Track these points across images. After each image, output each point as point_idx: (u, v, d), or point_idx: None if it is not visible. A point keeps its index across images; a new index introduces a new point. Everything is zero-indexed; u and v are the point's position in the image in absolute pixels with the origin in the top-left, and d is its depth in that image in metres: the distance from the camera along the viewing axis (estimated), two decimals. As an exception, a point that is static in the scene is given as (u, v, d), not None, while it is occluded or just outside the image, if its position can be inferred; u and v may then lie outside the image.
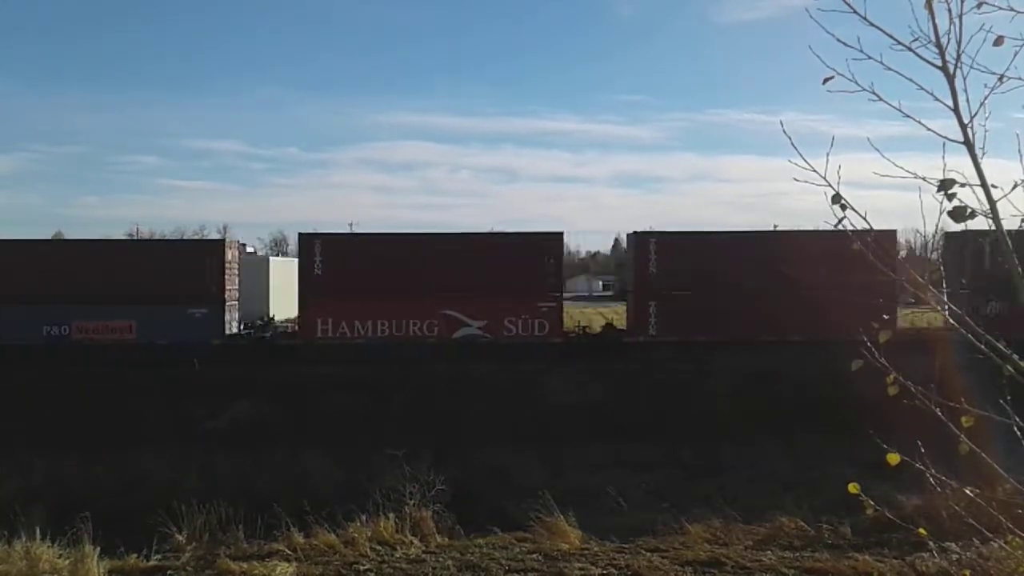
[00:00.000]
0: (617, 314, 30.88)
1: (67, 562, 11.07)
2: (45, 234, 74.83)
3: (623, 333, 25.23)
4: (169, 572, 11.31)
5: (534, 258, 24.47)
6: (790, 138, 3.53)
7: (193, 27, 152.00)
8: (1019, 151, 3.24)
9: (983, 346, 3.41)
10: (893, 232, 21.33)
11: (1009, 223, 3.30)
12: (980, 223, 3.29)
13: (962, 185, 3.19)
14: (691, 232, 25.97)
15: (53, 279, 23.24)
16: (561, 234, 25.48)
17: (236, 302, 25.27)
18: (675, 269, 23.56)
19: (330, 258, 24.15)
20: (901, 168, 3.40)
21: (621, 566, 11.32)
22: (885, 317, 3.65)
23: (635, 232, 25.55)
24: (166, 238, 73.65)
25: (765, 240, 24.06)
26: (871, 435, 4.43)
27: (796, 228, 24.24)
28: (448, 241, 25.56)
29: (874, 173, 3.55)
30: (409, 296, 23.81)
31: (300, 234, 25.81)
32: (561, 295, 24.83)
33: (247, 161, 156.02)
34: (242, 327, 25.56)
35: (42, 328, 23.26)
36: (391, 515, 12.49)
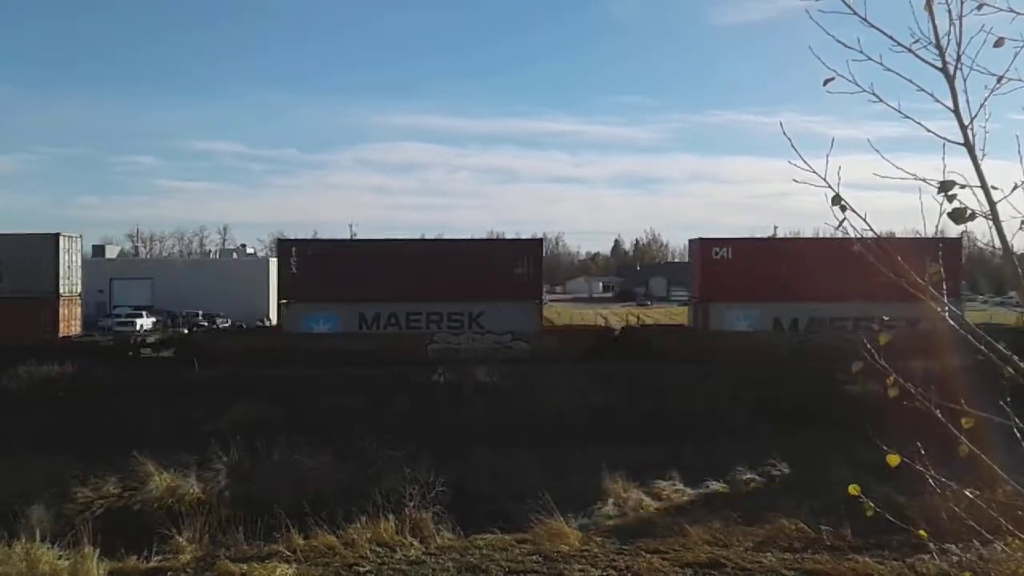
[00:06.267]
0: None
1: (67, 563, 11.05)
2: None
3: None
4: (169, 573, 11.29)
5: None
6: (790, 139, 3.51)
7: (192, 29, 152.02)
8: (1019, 152, 3.23)
9: (983, 347, 3.40)
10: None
11: (1009, 225, 3.28)
12: (980, 224, 3.28)
13: (962, 186, 3.18)
14: None
15: None
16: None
17: None
18: None
19: None
20: (901, 169, 3.38)
21: (621, 568, 11.29)
22: (885, 318, 3.63)
23: None
24: None
25: None
26: (872, 436, 4.40)
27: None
28: None
29: (874, 174, 3.54)
30: None
31: None
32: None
33: (246, 162, 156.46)
34: None
35: None
36: (391, 516, 12.46)
